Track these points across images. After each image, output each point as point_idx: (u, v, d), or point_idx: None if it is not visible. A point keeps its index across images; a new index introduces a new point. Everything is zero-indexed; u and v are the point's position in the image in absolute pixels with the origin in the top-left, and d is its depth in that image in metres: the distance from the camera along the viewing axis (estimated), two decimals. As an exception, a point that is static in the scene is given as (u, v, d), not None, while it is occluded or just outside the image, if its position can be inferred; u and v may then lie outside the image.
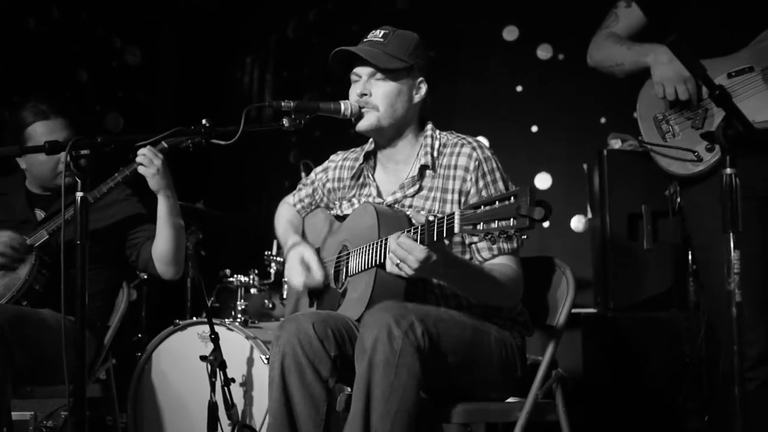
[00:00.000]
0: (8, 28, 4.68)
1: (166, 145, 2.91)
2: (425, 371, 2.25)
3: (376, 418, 2.22)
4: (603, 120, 5.08)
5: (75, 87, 5.07)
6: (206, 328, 3.50)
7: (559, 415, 2.56)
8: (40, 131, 3.19)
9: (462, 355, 2.40)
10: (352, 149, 2.82)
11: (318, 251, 2.77)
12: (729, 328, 1.99)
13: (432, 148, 2.58)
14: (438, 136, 2.61)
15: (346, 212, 2.73)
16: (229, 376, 3.39)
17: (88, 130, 2.37)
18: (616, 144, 4.11)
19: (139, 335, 4.59)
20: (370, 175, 2.70)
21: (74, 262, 2.11)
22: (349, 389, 2.44)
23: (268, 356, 3.44)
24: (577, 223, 5.12)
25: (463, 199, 2.51)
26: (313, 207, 2.92)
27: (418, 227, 2.20)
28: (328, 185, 2.83)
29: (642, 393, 3.70)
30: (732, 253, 1.97)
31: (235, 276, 4.19)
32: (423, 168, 2.57)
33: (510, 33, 5.34)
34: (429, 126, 2.63)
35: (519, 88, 5.35)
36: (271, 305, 4.29)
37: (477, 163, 2.50)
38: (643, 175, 3.88)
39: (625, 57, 2.80)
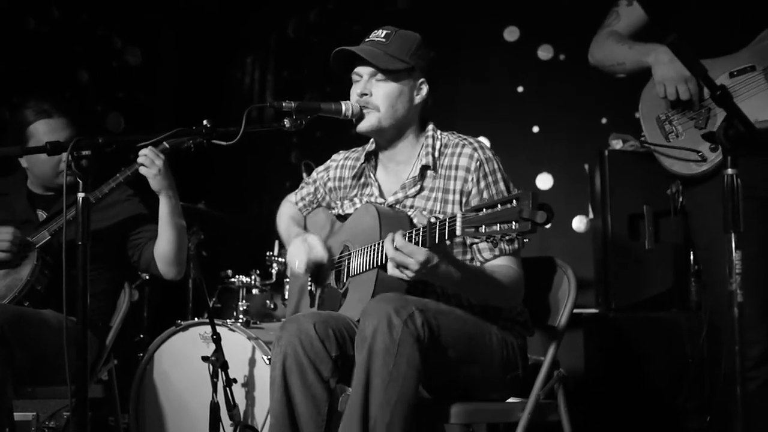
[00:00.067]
0: (8, 28, 4.67)
1: (167, 146, 2.91)
2: (425, 363, 2.25)
3: (375, 407, 2.22)
4: (604, 120, 5.09)
5: (75, 87, 5.07)
6: (208, 328, 3.50)
7: (560, 416, 2.56)
8: (41, 130, 3.19)
9: (462, 350, 2.40)
10: (354, 149, 2.82)
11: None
12: (731, 328, 2.00)
13: (433, 148, 2.58)
14: (439, 137, 2.61)
15: (347, 211, 2.73)
16: (231, 376, 3.39)
17: (89, 131, 2.37)
18: (617, 144, 4.11)
19: (141, 336, 4.59)
20: (372, 175, 2.70)
21: (76, 263, 2.12)
22: (350, 389, 2.44)
23: (269, 357, 3.44)
24: (579, 223, 5.12)
25: (464, 200, 2.51)
26: (314, 206, 2.92)
27: (419, 229, 2.20)
28: (330, 184, 2.84)
29: (643, 393, 3.70)
30: (733, 253, 1.98)
31: (237, 276, 4.19)
32: (424, 168, 2.57)
33: (511, 33, 5.34)
34: (430, 126, 2.63)
35: (520, 89, 5.35)
36: (272, 306, 4.29)
37: (478, 163, 2.50)
38: (645, 176, 3.89)
39: (627, 56, 2.80)
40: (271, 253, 4.27)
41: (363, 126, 2.57)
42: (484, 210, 2.00)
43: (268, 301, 4.28)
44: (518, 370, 2.54)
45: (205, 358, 3.42)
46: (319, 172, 2.90)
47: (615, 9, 2.89)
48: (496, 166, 2.53)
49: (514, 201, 1.92)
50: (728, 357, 2.59)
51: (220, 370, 3.38)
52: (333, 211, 2.83)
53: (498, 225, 1.95)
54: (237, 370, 3.54)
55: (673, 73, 2.63)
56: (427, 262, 2.17)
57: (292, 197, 2.99)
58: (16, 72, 4.66)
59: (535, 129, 5.30)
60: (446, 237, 2.11)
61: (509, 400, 2.58)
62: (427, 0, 5.40)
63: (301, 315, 2.51)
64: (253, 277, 4.19)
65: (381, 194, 2.66)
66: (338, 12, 5.67)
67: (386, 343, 2.22)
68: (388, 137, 2.62)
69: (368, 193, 2.70)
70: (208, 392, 3.39)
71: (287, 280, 4.01)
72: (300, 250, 2.64)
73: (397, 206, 2.59)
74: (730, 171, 2.00)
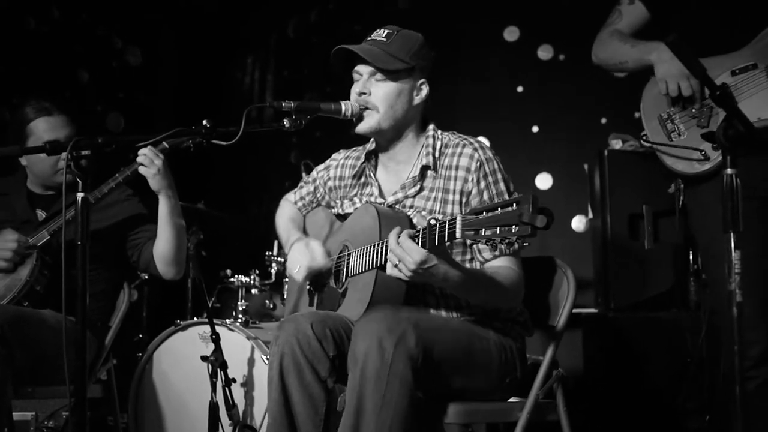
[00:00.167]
0: (8, 28, 4.67)
1: (166, 146, 2.91)
2: (420, 380, 2.25)
3: (369, 431, 2.22)
4: (604, 120, 5.09)
5: (75, 87, 5.08)
6: (207, 328, 3.50)
7: (559, 415, 2.56)
8: (42, 128, 3.20)
9: (458, 362, 2.39)
10: (354, 148, 2.82)
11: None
12: (730, 327, 2.00)
13: (433, 148, 2.57)
14: (440, 137, 2.61)
15: (347, 211, 2.73)
16: (230, 376, 3.39)
17: (88, 131, 2.37)
18: (616, 144, 4.11)
19: (140, 335, 4.59)
20: (372, 175, 2.69)
21: (75, 263, 2.11)
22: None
23: (269, 356, 3.44)
24: (578, 223, 5.12)
25: (464, 200, 2.50)
26: (314, 205, 2.92)
27: (419, 230, 2.20)
28: (330, 183, 2.83)
29: (642, 393, 3.70)
30: (733, 253, 1.98)
31: (236, 276, 4.19)
32: (424, 168, 2.56)
33: (511, 33, 5.34)
34: (431, 126, 2.63)
35: (520, 89, 5.35)
36: (271, 305, 4.29)
37: (479, 164, 2.50)
38: (644, 175, 3.89)
39: (629, 55, 2.80)
40: (270, 253, 4.27)
41: (362, 127, 2.56)
42: (485, 213, 2.00)
43: (267, 301, 4.28)
44: (516, 373, 2.54)
45: (204, 358, 3.42)
46: (319, 172, 2.89)
47: (617, 8, 2.89)
48: (496, 167, 2.53)
49: (515, 204, 1.93)
50: (728, 357, 2.59)
51: (219, 369, 3.38)
52: (332, 211, 2.83)
53: (498, 228, 1.95)
54: (236, 369, 3.54)
55: (674, 70, 2.63)
56: (424, 263, 2.17)
57: (290, 197, 2.98)
58: (16, 72, 4.66)
59: (535, 129, 5.30)
60: (446, 239, 2.11)
61: (509, 400, 2.58)
62: (427, 0, 5.40)
63: (298, 315, 2.51)
64: (252, 276, 4.19)
65: (381, 194, 2.66)
66: (338, 12, 5.67)
67: (377, 365, 2.21)
68: (387, 137, 2.61)
69: (368, 192, 2.69)
70: (207, 392, 3.39)
71: (286, 279, 4.01)
72: (302, 255, 2.64)
73: (397, 206, 2.59)
74: (729, 171, 2.00)
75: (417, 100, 2.59)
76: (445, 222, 2.11)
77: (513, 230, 1.92)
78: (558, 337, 2.59)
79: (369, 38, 2.59)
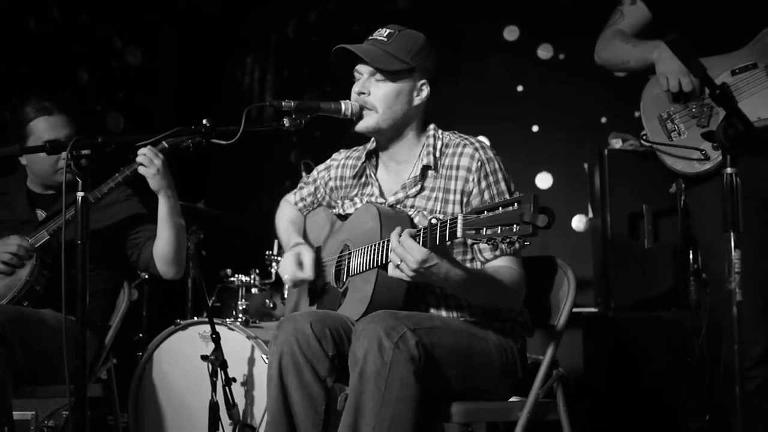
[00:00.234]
0: (8, 28, 4.68)
1: (166, 145, 2.91)
2: (420, 381, 2.25)
3: (367, 430, 2.22)
4: (603, 120, 5.09)
5: (75, 87, 5.08)
6: (207, 327, 3.50)
7: (559, 415, 2.56)
8: (42, 127, 3.20)
9: (459, 364, 2.40)
10: (355, 148, 2.82)
11: (319, 250, 2.77)
12: (730, 327, 2.00)
13: (434, 148, 2.57)
14: (440, 136, 2.60)
15: (348, 211, 2.73)
16: (230, 375, 3.40)
17: (88, 130, 2.37)
18: (616, 143, 4.11)
19: (140, 335, 4.59)
20: (373, 174, 2.69)
21: (75, 262, 2.12)
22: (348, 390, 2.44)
23: (268, 356, 3.44)
24: (578, 222, 5.12)
25: (465, 200, 2.50)
26: (314, 205, 2.92)
27: (421, 229, 2.20)
28: (331, 183, 2.83)
29: (642, 392, 3.70)
30: (732, 253, 1.98)
31: (236, 276, 4.19)
32: (425, 168, 2.56)
33: (510, 33, 5.34)
34: (431, 126, 2.62)
35: (519, 88, 5.35)
36: (271, 305, 4.29)
37: (479, 163, 2.50)
38: (644, 175, 3.89)
39: (632, 54, 2.80)
40: (270, 252, 4.27)
41: (360, 126, 2.56)
42: (486, 212, 2.00)
43: (267, 300, 4.28)
44: (518, 372, 2.54)
45: (204, 357, 3.42)
46: (319, 172, 2.89)
47: (619, 8, 2.90)
48: (497, 166, 2.52)
49: (516, 204, 1.93)
50: (728, 356, 2.59)
51: (219, 369, 3.38)
52: (333, 211, 2.83)
53: (499, 228, 1.95)
54: (236, 369, 3.54)
55: (675, 66, 2.63)
56: (425, 262, 2.17)
57: (291, 197, 2.98)
58: (16, 72, 4.66)
59: (535, 128, 5.30)
60: (447, 239, 2.11)
61: (509, 400, 2.58)
62: (427, 0, 5.40)
63: (298, 314, 2.51)
64: (252, 276, 4.19)
65: (381, 194, 2.65)
66: (338, 12, 5.67)
67: (377, 366, 2.22)
68: (386, 137, 2.61)
69: (369, 192, 2.69)
70: (208, 391, 3.39)
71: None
72: (290, 264, 2.63)
73: (398, 206, 2.59)
74: (729, 170, 2.00)
75: (417, 101, 2.58)
76: (447, 221, 2.11)
77: (514, 230, 1.92)
78: (558, 336, 2.59)
79: (370, 37, 2.59)
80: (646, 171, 3.84)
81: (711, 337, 3.52)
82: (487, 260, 2.47)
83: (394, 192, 2.62)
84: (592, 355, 3.81)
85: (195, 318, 3.84)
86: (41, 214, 3.28)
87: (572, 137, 5.07)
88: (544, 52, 5.27)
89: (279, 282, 4.23)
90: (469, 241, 2.49)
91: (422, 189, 2.57)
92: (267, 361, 3.46)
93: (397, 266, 2.21)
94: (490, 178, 2.50)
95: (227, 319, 3.77)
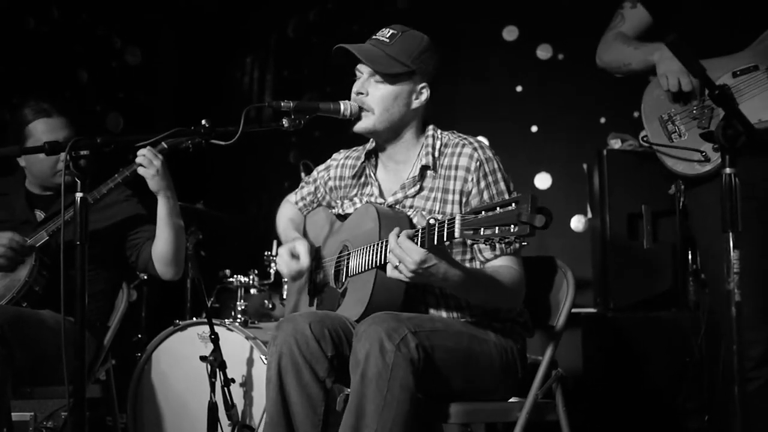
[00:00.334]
0: (8, 28, 4.67)
1: (165, 146, 2.91)
2: (421, 383, 2.25)
3: None
4: (603, 120, 5.09)
5: (75, 87, 5.07)
6: (206, 328, 3.50)
7: (559, 415, 2.56)
8: (40, 129, 3.20)
9: (459, 366, 2.40)
10: (354, 148, 2.81)
11: (318, 250, 2.77)
12: (729, 327, 2.00)
13: (433, 148, 2.57)
14: (439, 136, 2.60)
15: (347, 211, 2.73)
16: (229, 376, 3.39)
17: (88, 131, 2.37)
18: (615, 144, 4.11)
19: (139, 335, 4.59)
20: (372, 174, 2.69)
21: (74, 263, 2.11)
22: (348, 390, 2.44)
23: (267, 356, 3.44)
24: (577, 223, 5.12)
25: (464, 200, 2.50)
26: (314, 205, 2.92)
27: (419, 230, 2.20)
28: (330, 183, 2.83)
29: (642, 393, 3.70)
30: (731, 253, 1.98)
31: (235, 276, 4.19)
32: (424, 168, 2.56)
33: (510, 33, 5.34)
34: (430, 126, 2.62)
35: (519, 88, 5.35)
36: (270, 305, 4.29)
37: (478, 163, 2.49)
38: (643, 175, 3.89)
39: (633, 57, 2.80)
40: (269, 253, 4.27)
41: (358, 127, 2.56)
42: (483, 212, 2.00)
43: (266, 301, 4.29)
44: (518, 373, 2.54)
45: (203, 358, 3.42)
46: (319, 172, 2.89)
47: (620, 11, 2.90)
48: (496, 166, 2.52)
49: (513, 204, 1.93)
50: (727, 356, 2.59)
51: (218, 369, 3.38)
52: (333, 211, 2.83)
53: (497, 228, 1.95)
54: (235, 369, 3.54)
55: (675, 66, 2.63)
56: (423, 263, 2.17)
57: (292, 197, 2.98)
58: (16, 72, 4.66)
59: (534, 128, 5.30)
60: (445, 239, 2.11)
61: (508, 400, 2.58)
62: (426, 0, 5.40)
63: (297, 314, 2.51)
64: (251, 276, 4.19)
65: (381, 194, 2.65)
66: (338, 12, 5.67)
67: (379, 368, 2.22)
68: (384, 138, 2.61)
69: (368, 192, 2.69)
70: (206, 392, 3.39)
71: (285, 280, 4.01)
72: (285, 258, 2.62)
73: (397, 206, 2.59)
74: (728, 170, 2.00)
75: (416, 104, 2.57)
76: (444, 222, 2.11)
77: (512, 230, 1.92)
78: (557, 337, 2.59)
79: (373, 37, 2.58)
80: (645, 171, 3.85)
81: (710, 338, 3.52)
82: (487, 260, 2.47)
83: (393, 192, 2.62)
84: (592, 355, 3.81)
85: (194, 319, 3.83)
86: (40, 214, 3.28)
87: (571, 137, 5.07)
88: (544, 52, 5.27)
89: (278, 283, 4.23)
90: (469, 241, 2.49)
91: (421, 189, 2.57)
92: (266, 361, 3.47)
93: (396, 267, 2.21)
94: (489, 178, 2.50)
95: (226, 320, 3.77)
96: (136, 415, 3.72)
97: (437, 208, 2.52)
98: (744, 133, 2.02)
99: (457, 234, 2.05)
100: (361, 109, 2.54)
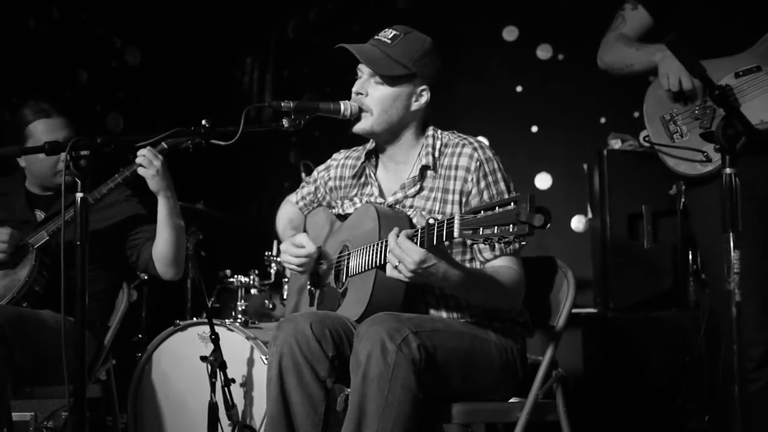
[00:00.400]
0: (8, 28, 4.67)
1: (165, 146, 2.91)
2: (422, 383, 2.25)
3: None
4: (603, 120, 5.09)
5: (75, 87, 5.07)
6: (206, 328, 3.50)
7: (559, 415, 2.56)
8: (40, 129, 3.20)
9: (460, 366, 2.40)
10: (355, 148, 2.81)
11: (319, 249, 2.78)
12: (729, 327, 2.00)
13: (433, 148, 2.57)
14: (439, 136, 2.60)
15: (347, 211, 2.73)
16: (230, 376, 3.39)
17: (88, 131, 2.37)
18: (616, 144, 4.12)
19: (140, 336, 4.59)
20: (372, 174, 2.69)
21: (74, 263, 2.11)
22: (349, 390, 2.44)
23: (268, 356, 3.44)
24: (578, 223, 5.12)
25: (464, 200, 2.49)
26: (314, 205, 2.91)
27: (418, 230, 2.20)
28: (330, 183, 2.83)
29: (642, 393, 3.70)
30: (732, 253, 1.98)
31: (236, 276, 4.18)
32: (424, 168, 2.56)
33: (510, 33, 5.34)
34: (431, 127, 2.62)
35: (519, 89, 5.35)
36: (271, 306, 4.29)
37: (478, 163, 2.49)
38: (643, 175, 3.89)
39: (635, 58, 2.81)
40: (269, 253, 4.27)
41: (356, 128, 2.56)
42: (482, 212, 2.00)
43: (266, 301, 4.28)
44: (518, 373, 2.54)
45: (203, 358, 3.42)
46: (319, 172, 2.89)
47: (621, 13, 2.90)
48: (496, 166, 2.52)
49: (512, 203, 1.93)
50: (727, 356, 2.59)
51: (218, 369, 3.37)
52: (333, 211, 2.83)
53: (496, 227, 1.95)
54: (235, 370, 3.54)
55: (675, 65, 2.63)
56: (423, 263, 2.17)
57: (292, 197, 2.98)
58: (16, 72, 4.66)
59: (534, 129, 5.30)
60: (444, 238, 2.11)
61: (508, 400, 2.58)
62: (426, 0, 5.40)
63: (297, 315, 2.51)
64: (251, 277, 4.18)
65: (381, 194, 2.65)
66: (338, 12, 5.67)
67: (380, 368, 2.22)
68: (383, 139, 2.61)
69: (368, 192, 2.69)
70: (207, 392, 3.38)
71: (286, 280, 4.01)
72: (290, 249, 2.62)
73: (397, 206, 2.59)
74: (728, 170, 2.00)
75: (415, 106, 2.56)
76: (444, 222, 2.11)
77: (511, 229, 1.92)
78: (557, 337, 2.59)
79: (375, 37, 2.57)
80: (646, 171, 3.85)
81: (710, 338, 3.53)
82: (487, 260, 2.47)
83: (393, 192, 2.62)
84: (592, 355, 3.82)
85: (194, 319, 3.83)
86: (40, 215, 3.28)
87: (572, 138, 5.07)
88: (544, 52, 5.27)
89: (278, 283, 4.23)
90: (468, 241, 2.49)
91: (421, 189, 2.57)
92: (266, 361, 3.47)
93: (395, 267, 2.21)
94: (489, 178, 2.49)
95: (226, 320, 3.76)
96: (137, 415, 3.71)
97: (437, 208, 2.52)
98: (744, 133, 2.02)
99: (456, 234, 2.05)
100: (360, 109, 2.54)
